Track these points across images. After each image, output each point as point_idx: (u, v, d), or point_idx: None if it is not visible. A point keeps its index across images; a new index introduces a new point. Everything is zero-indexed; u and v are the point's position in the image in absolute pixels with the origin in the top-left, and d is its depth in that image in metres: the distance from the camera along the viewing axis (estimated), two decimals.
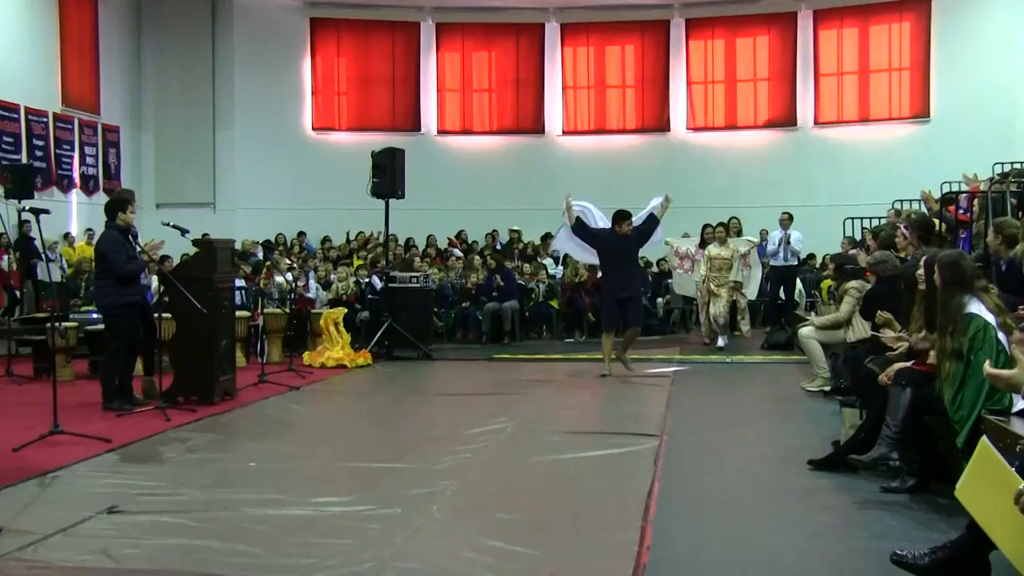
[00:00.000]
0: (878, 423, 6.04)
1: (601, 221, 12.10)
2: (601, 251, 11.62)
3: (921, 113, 19.63)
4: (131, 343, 9.21)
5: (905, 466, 5.88)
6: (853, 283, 9.48)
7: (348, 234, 19.93)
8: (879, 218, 15.16)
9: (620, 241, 11.31)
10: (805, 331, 10.08)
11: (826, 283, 13.77)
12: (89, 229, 17.32)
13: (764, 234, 17.23)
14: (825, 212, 18.52)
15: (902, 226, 9.22)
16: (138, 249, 9.24)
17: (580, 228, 11.68)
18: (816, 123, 20.37)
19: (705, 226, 14.89)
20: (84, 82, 18.78)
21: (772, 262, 15.82)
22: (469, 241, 19.93)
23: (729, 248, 14.30)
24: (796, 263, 16.12)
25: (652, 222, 11.62)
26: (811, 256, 18.01)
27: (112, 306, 9.07)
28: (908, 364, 6.10)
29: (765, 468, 6.73)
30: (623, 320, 11.48)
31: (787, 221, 15.73)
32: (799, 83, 20.36)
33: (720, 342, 14.05)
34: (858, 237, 15.40)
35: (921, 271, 6.18)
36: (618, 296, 11.26)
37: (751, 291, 14.99)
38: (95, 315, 11.15)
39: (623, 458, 6.99)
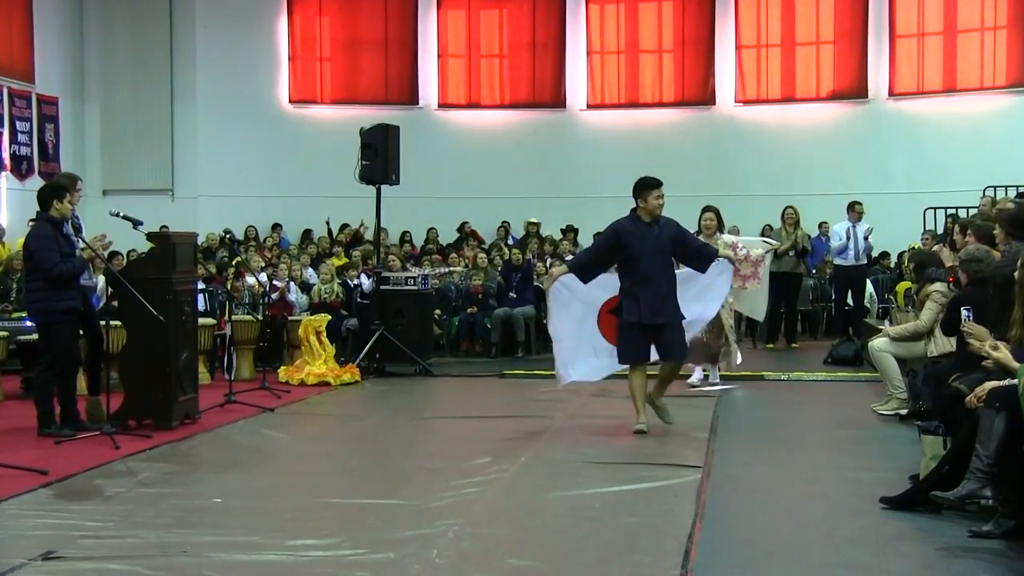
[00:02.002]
0: (966, 454, 6.01)
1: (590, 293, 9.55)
2: (623, 256, 9.13)
3: (1020, 81, 19.53)
4: (68, 356, 9.22)
5: (999, 506, 5.86)
6: (937, 286, 9.46)
7: (328, 223, 19.87)
8: (968, 208, 15.15)
9: (647, 232, 9.03)
10: (878, 343, 10.05)
11: (902, 286, 13.75)
12: (32, 220, 17.34)
13: (825, 228, 17.23)
14: (902, 201, 18.48)
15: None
16: (81, 244, 9.24)
17: (585, 269, 9.32)
18: (891, 94, 20.28)
19: (704, 210, 12.48)
20: (15, 44, 18.80)
21: (839, 261, 15.78)
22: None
23: (717, 245, 11.17)
24: (866, 262, 16.10)
25: (704, 256, 9.38)
26: (884, 254, 17.99)
27: (45, 312, 9.07)
28: (1004, 382, 6.07)
29: (829, 507, 6.71)
30: (657, 351, 9.24)
31: (861, 213, 15.67)
32: (871, 46, 20.25)
33: (696, 376, 12.19)
34: (941, 230, 15.39)
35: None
36: (649, 322, 8.99)
37: (759, 310, 13.23)
38: (28, 323, 11.20)
39: (658, 494, 6.97)
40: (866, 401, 10.67)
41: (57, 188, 9.31)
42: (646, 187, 9.06)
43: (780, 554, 5.70)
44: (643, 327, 8.96)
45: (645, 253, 8.95)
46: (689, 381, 11.89)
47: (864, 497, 6.70)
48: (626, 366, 9.25)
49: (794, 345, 15.95)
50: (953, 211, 16.12)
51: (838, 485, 7.30)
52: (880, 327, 11.17)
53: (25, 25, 19.02)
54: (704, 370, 12.27)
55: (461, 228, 20.10)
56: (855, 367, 13.36)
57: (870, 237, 15.63)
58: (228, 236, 13.99)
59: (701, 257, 9.36)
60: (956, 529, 5.96)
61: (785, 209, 15.89)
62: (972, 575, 5.26)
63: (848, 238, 15.49)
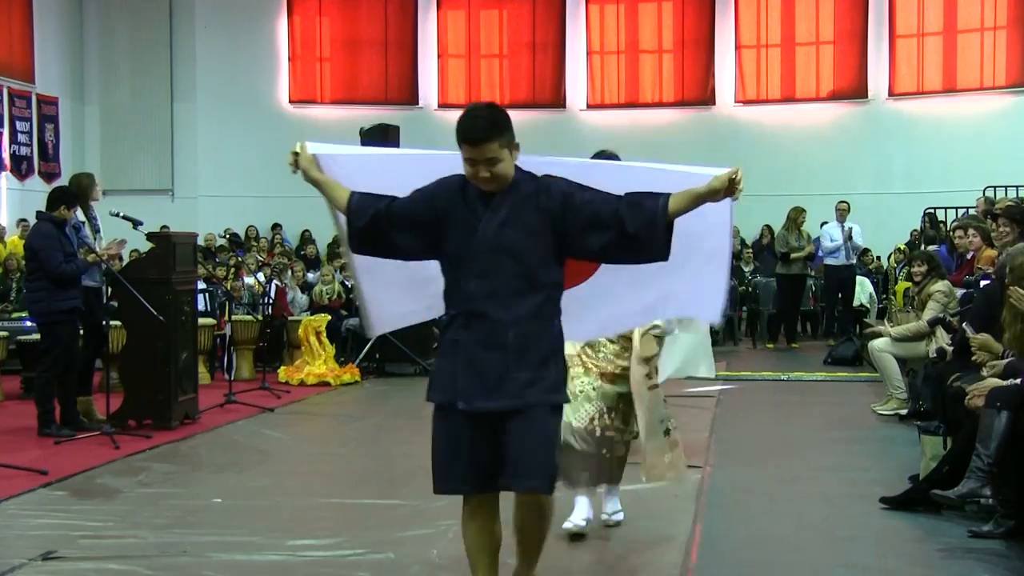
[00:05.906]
0: (966, 453, 6.01)
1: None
2: (441, 254, 4.42)
3: (1019, 82, 19.54)
4: (69, 356, 9.21)
5: (999, 506, 5.85)
6: (939, 285, 9.45)
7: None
8: (967, 208, 15.14)
9: (482, 210, 4.27)
10: (878, 343, 10.05)
11: (902, 286, 13.75)
12: (23, 220, 17.39)
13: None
14: (902, 201, 18.50)
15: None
16: (97, 247, 9.23)
17: (365, 209, 4.66)
18: (891, 95, 20.29)
19: None
20: (15, 44, 18.84)
21: (830, 261, 15.78)
22: None
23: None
24: (855, 262, 16.15)
25: (649, 209, 4.30)
26: (864, 250, 17.96)
27: (47, 313, 9.05)
28: (1006, 383, 6.08)
29: (829, 507, 6.71)
30: (494, 469, 4.29)
31: (846, 211, 15.69)
32: (871, 46, 20.28)
33: (580, 514, 5.92)
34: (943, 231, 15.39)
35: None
36: (473, 407, 4.25)
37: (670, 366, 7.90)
38: (28, 323, 11.19)
39: (658, 494, 6.95)
40: (866, 401, 10.67)
41: (69, 195, 9.24)
42: (458, 139, 4.25)
43: (780, 554, 5.69)
44: (466, 418, 4.26)
45: (475, 254, 4.26)
46: (565, 526, 5.82)
47: (864, 497, 6.69)
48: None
49: (794, 345, 15.96)
50: (953, 211, 16.15)
51: (838, 485, 7.29)
52: (880, 327, 11.15)
53: (25, 25, 19.05)
54: (596, 490, 6.12)
55: None
56: (855, 367, 13.36)
57: (855, 236, 15.67)
58: (229, 237, 13.98)
59: (634, 231, 4.24)
60: (956, 529, 5.95)
61: (790, 211, 15.89)
62: (972, 575, 5.26)
63: (844, 239, 15.52)
